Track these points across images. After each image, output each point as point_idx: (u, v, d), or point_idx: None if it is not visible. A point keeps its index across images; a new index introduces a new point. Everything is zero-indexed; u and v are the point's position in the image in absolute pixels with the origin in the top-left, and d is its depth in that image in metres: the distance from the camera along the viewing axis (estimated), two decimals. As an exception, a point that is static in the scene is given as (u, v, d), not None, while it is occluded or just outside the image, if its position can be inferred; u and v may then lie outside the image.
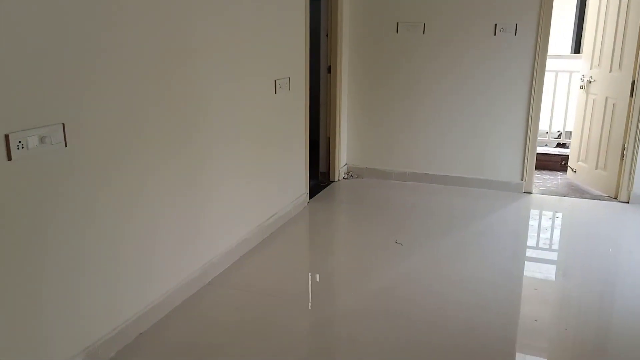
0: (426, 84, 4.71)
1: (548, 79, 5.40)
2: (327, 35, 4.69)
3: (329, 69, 4.74)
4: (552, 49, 4.52)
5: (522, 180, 4.63)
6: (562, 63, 6.35)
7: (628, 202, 4.34)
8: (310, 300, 2.93)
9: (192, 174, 2.83)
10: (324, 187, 4.83)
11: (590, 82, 4.71)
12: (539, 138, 5.44)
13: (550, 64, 4.52)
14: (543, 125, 5.63)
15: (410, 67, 4.73)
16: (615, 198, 4.44)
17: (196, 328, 2.60)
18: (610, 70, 4.44)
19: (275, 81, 3.62)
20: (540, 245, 3.80)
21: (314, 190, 4.62)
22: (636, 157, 4.24)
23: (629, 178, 4.30)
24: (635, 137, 4.21)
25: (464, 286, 3.05)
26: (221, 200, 3.11)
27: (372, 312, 2.79)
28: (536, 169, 4.88)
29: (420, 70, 4.71)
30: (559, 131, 6.25)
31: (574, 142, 5.05)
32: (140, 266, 2.51)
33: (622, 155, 4.34)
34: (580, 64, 4.95)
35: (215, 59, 2.92)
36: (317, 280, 3.24)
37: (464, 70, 4.57)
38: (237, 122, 3.22)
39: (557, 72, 5.70)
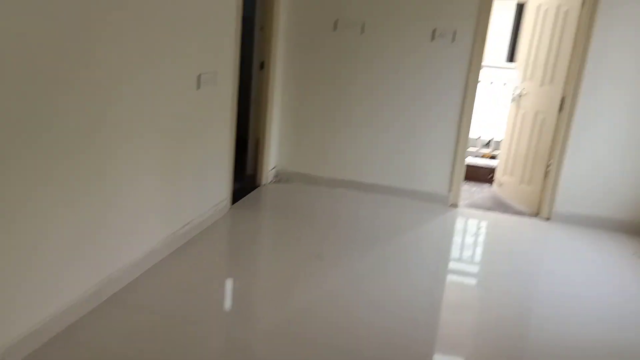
0: (362, 86, 4.55)
1: (481, 88, 5.43)
2: (261, 28, 4.41)
3: (261, 65, 4.46)
4: (488, 56, 4.50)
5: (449, 192, 4.58)
6: (497, 73, 6.43)
7: (549, 219, 4.38)
8: (218, 324, 2.68)
9: (93, 176, 2.49)
10: (250, 191, 4.56)
11: (521, 95, 4.73)
12: (470, 149, 5.49)
13: (485, 73, 4.50)
14: (476, 135, 5.67)
15: (347, 67, 4.55)
16: (537, 215, 4.48)
17: None
18: (542, 84, 4.47)
19: (199, 75, 3.31)
20: (462, 264, 3.75)
21: (238, 195, 4.35)
22: (560, 174, 4.29)
23: (552, 195, 4.35)
24: (561, 155, 4.25)
25: (383, 308, 2.90)
26: (126, 205, 2.78)
27: (285, 337, 2.58)
28: (464, 180, 4.86)
29: (357, 71, 4.53)
30: (489, 141, 6.33)
31: (502, 155, 5.07)
32: (14, 286, 2.15)
33: (547, 172, 4.37)
34: (514, 75, 4.96)
35: (125, 49, 2.59)
36: (229, 299, 3.00)
37: (400, 75, 4.45)
38: (151, 119, 2.89)
39: (490, 82, 5.72)
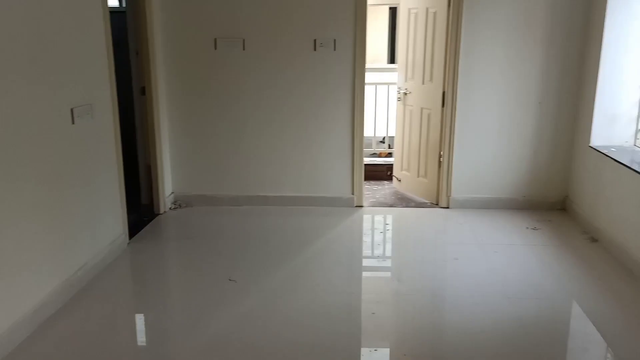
0: (250, 102, 4.50)
1: (369, 91, 5.58)
2: (137, 53, 4.22)
3: (142, 91, 4.27)
4: (370, 59, 4.62)
5: (352, 194, 4.65)
6: (381, 75, 6.66)
7: (448, 207, 4.59)
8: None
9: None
10: (148, 221, 4.33)
11: (406, 94, 4.92)
12: (367, 149, 5.63)
13: (369, 76, 4.62)
14: (367, 134, 5.81)
15: (232, 85, 4.47)
16: (437, 204, 4.67)
17: None
18: (423, 82, 4.68)
19: (71, 110, 3.09)
20: (374, 261, 3.82)
21: (136, 227, 4.11)
22: (452, 164, 4.50)
23: (447, 184, 4.56)
24: (450, 146, 4.47)
25: (301, 322, 2.86)
26: (2, 259, 2.51)
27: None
28: (365, 179, 4.96)
29: (243, 88, 4.48)
30: (383, 138, 6.52)
31: (396, 152, 5.24)
32: None
33: (439, 163, 4.58)
34: (395, 77, 5.16)
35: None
36: (142, 337, 2.81)
37: (287, 87, 4.45)
38: (20, 163, 2.64)
39: (376, 84, 5.90)
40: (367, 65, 4.53)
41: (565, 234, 3.99)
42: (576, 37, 4.17)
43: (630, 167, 3.45)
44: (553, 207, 4.49)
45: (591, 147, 3.98)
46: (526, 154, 4.43)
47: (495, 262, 3.55)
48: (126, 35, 4.25)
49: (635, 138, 3.90)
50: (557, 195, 4.49)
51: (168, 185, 4.62)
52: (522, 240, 3.90)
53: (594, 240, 3.84)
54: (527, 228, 4.10)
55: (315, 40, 4.34)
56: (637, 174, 3.33)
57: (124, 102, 4.31)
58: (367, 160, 5.61)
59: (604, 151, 3.81)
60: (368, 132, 5.84)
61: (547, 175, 4.46)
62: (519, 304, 2.99)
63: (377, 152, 6.29)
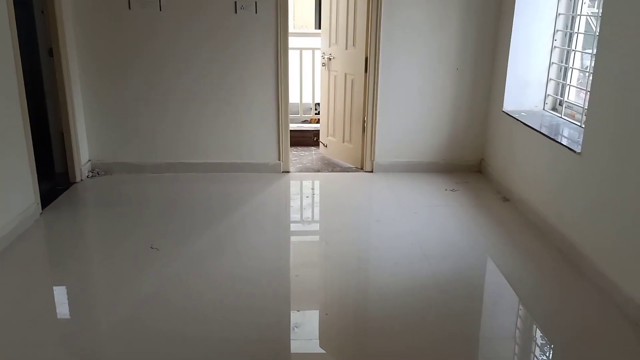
0: (170, 66, 4.33)
1: (294, 56, 5.54)
2: (42, 12, 3.92)
3: (50, 52, 3.99)
4: (299, 24, 4.56)
5: (279, 160, 4.63)
6: (307, 41, 6.60)
7: (372, 172, 4.69)
8: (56, 335, 2.40)
9: None
10: (63, 190, 4.12)
11: (330, 59, 4.91)
12: (293, 115, 5.61)
13: (295, 41, 4.57)
14: (295, 100, 5.80)
15: (150, 47, 4.28)
16: (362, 168, 4.76)
17: None
18: (346, 48, 4.68)
19: (-33, 70, 2.84)
20: (301, 225, 3.85)
21: (49, 197, 3.91)
22: (375, 129, 4.58)
23: (371, 149, 4.64)
24: (373, 111, 4.54)
25: (228, 286, 2.86)
26: None
27: (131, 333, 2.42)
28: (292, 145, 4.96)
29: (161, 51, 4.29)
30: (317, 104, 6.49)
31: (322, 118, 5.26)
32: None
33: (363, 128, 4.65)
34: (320, 42, 5.13)
35: None
36: (62, 307, 2.70)
37: (208, 50, 4.31)
38: None
39: (301, 49, 5.84)
40: (295, 31, 4.47)
41: (480, 194, 4.20)
42: (491, 5, 4.30)
43: (539, 130, 3.65)
44: (470, 169, 4.70)
45: (504, 112, 4.18)
46: (445, 119, 4.58)
47: (415, 223, 3.68)
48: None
49: (545, 103, 4.12)
50: (474, 158, 4.69)
51: (84, 152, 4.40)
52: (441, 201, 4.07)
53: (506, 200, 4.07)
54: (446, 190, 4.27)
55: (235, 2, 4.21)
56: (545, 137, 3.54)
57: (31, 65, 4.03)
58: (294, 126, 5.60)
59: (515, 115, 4.01)
60: (295, 98, 5.84)
61: (464, 140, 4.64)
62: (436, 262, 3.13)
63: (308, 119, 6.28)
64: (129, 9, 4.17)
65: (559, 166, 3.36)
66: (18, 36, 3.33)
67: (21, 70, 3.38)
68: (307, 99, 6.23)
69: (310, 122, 6.17)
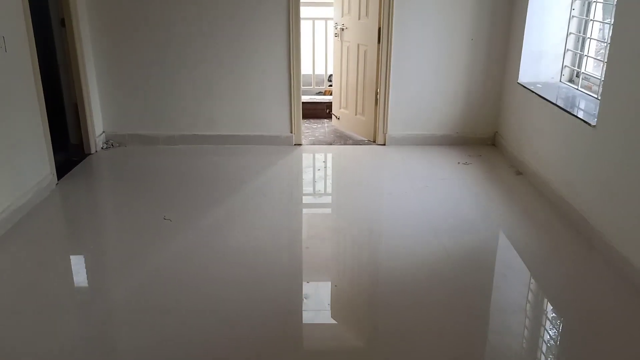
0: (183, 36, 4.30)
1: (306, 26, 5.47)
2: (53, -19, 3.90)
3: (62, 22, 3.98)
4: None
5: (291, 132, 4.63)
6: (319, 10, 6.50)
7: (385, 144, 4.66)
8: (71, 304, 2.47)
9: None
10: (79, 162, 4.17)
11: (343, 29, 4.85)
12: (306, 88, 5.57)
13: (307, 11, 4.50)
14: (308, 72, 5.75)
15: (162, 17, 4.25)
16: (374, 141, 4.74)
17: None
18: (359, 18, 4.61)
19: (-20, 42, 2.85)
20: (313, 198, 3.88)
21: (65, 168, 3.96)
22: (388, 102, 4.54)
23: (384, 122, 4.61)
24: (386, 83, 4.49)
25: (240, 258, 2.89)
26: None
27: (143, 304, 2.48)
28: (304, 118, 4.95)
29: (174, 21, 4.26)
30: (330, 76, 6.43)
31: (335, 90, 5.22)
32: None
33: (376, 100, 4.61)
34: (333, 12, 5.05)
35: None
36: (78, 277, 2.77)
37: (220, 21, 4.27)
38: None
39: (314, 19, 5.76)
40: (307, 0, 4.40)
41: (493, 168, 4.17)
42: (510, -27, 4.19)
43: (554, 102, 3.59)
44: (484, 142, 4.65)
45: (519, 84, 4.10)
46: (459, 91, 4.52)
47: (427, 196, 3.67)
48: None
49: (561, 74, 4.04)
50: (488, 131, 4.64)
51: (98, 124, 4.43)
52: (453, 174, 4.05)
53: (519, 173, 4.04)
54: (459, 163, 4.24)
55: (247, -29, 4.15)
56: (560, 110, 3.48)
57: (43, 36, 4.04)
58: (307, 98, 5.57)
59: (530, 87, 3.94)
60: (308, 70, 5.79)
61: (479, 112, 4.58)
62: (447, 236, 3.13)
63: (322, 91, 6.23)
64: (141, -22, 4.13)
65: (574, 139, 3.31)
66: (29, 6, 3.33)
67: (34, 41, 3.39)
68: (320, 70, 6.17)
69: (324, 94, 6.12)
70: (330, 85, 6.12)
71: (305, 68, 5.02)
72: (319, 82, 6.20)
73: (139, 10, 4.22)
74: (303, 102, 4.71)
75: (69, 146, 4.31)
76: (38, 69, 3.43)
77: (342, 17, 4.84)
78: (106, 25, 4.24)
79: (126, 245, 3.06)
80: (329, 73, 6.22)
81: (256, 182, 3.91)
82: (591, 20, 3.75)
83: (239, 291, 2.59)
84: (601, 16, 3.74)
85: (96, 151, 4.37)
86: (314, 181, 4.10)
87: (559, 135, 3.52)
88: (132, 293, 2.58)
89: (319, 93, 6.19)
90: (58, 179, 3.75)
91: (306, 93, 5.69)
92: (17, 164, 3.24)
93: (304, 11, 4.56)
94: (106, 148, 4.47)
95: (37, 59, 3.42)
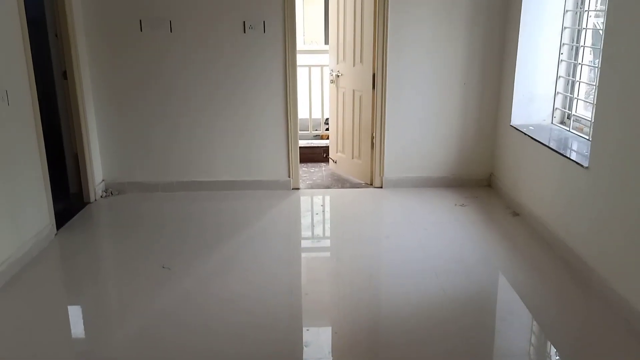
0: (180, 85, 4.41)
1: (303, 73, 5.61)
2: (56, 35, 4.03)
3: (64, 75, 4.09)
4: (309, 40, 4.62)
5: (289, 177, 4.68)
6: (315, 58, 6.68)
7: (382, 187, 4.71)
8: (70, 353, 2.45)
9: None
10: (78, 210, 4.19)
11: (338, 76, 4.97)
12: (303, 132, 5.67)
13: (303, 59, 4.63)
14: (305, 116, 5.86)
15: (161, 68, 4.37)
16: (372, 184, 4.78)
17: None
18: (354, 65, 4.74)
19: (-17, 96, 2.93)
20: (312, 242, 3.88)
21: (64, 217, 3.98)
22: (384, 145, 4.61)
23: (380, 165, 4.67)
24: (381, 127, 4.57)
25: (239, 304, 2.88)
26: None
27: (143, 349, 2.45)
28: (302, 162, 5.02)
29: (172, 71, 4.37)
30: (327, 119, 6.53)
31: (331, 134, 5.30)
32: None
33: (372, 144, 4.68)
34: (328, 59, 5.19)
35: None
36: (76, 326, 2.75)
37: (218, 70, 4.39)
38: None
39: (310, 66, 5.91)
40: (305, 47, 4.54)
41: (490, 209, 4.20)
42: (497, 20, 4.33)
43: (547, 144, 3.66)
44: (480, 184, 4.70)
45: (512, 126, 4.18)
46: (454, 134, 4.60)
47: (425, 238, 3.68)
48: (44, 18, 4.03)
49: (553, 117, 4.12)
50: (483, 172, 4.70)
51: (98, 172, 4.48)
52: (450, 216, 4.07)
53: (515, 214, 4.06)
54: (456, 205, 4.28)
55: (244, 22, 4.28)
56: (553, 152, 3.54)
57: (46, 88, 4.15)
58: (304, 143, 5.65)
59: (523, 130, 4.01)
60: (305, 114, 5.90)
61: (473, 154, 4.65)
62: (446, 278, 3.13)
63: (319, 135, 6.31)
64: (141, 31, 4.26)
65: (568, 180, 3.36)
66: (33, 59, 3.43)
67: (36, 93, 3.47)
68: (317, 114, 6.28)
69: (321, 138, 6.21)
70: (327, 129, 6.22)
71: (302, 112, 5.13)
72: (316, 126, 6.30)
73: (138, 61, 4.33)
74: (300, 147, 4.78)
75: (68, 195, 4.35)
76: (40, 121, 3.50)
77: (337, 64, 4.97)
78: (106, 76, 4.35)
79: (125, 295, 3.05)
80: (325, 117, 6.34)
81: (255, 227, 3.93)
82: (579, 63, 3.86)
83: (239, 339, 2.56)
84: (589, 59, 3.86)
85: (95, 199, 4.40)
86: (313, 225, 4.11)
87: (553, 176, 3.56)
88: (132, 342, 2.56)
89: (316, 137, 6.28)
90: (57, 229, 3.76)
91: (303, 138, 5.78)
92: (18, 215, 3.26)
93: (300, 59, 4.69)
94: (105, 196, 4.50)
95: (39, 112, 3.49)
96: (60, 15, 3.93)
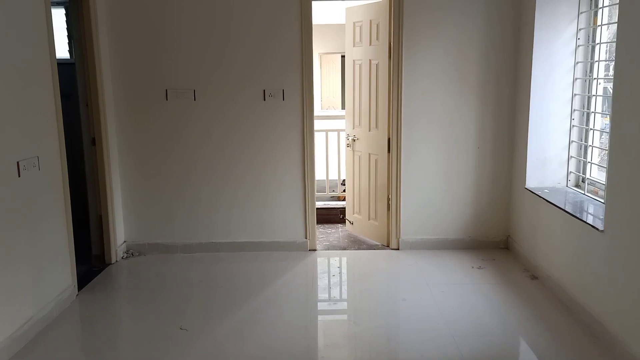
0: (203, 150, 4.58)
1: (320, 137, 5.79)
2: (87, 105, 4.26)
3: (93, 141, 4.29)
4: (326, 105, 4.80)
5: (306, 238, 4.73)
6: (332, 123, 6.88)
7: (398, 249, 4.72)
8: None
9: None
10: (99, 271, 4.28)
11: (354, 140, 5.11)
12: (320, 194, 5.77)
13: (321, 124, 4.79)
14: (322, 177, 5.98)
15: (184, 134, 4.56)
16: (388, 246, 4.80)
17: None
18: (370, 130, 4.88)
19: (17, 163, 3.10)
20: (329, 305, 3.88)
21: (86, 278, 4.07)
22: (400, 207, 4.67)
23: (396, 227, 4.71)
24: (397, 190, 4.65)
25: (253, 368, 2.88)
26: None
27: None
28: (319, 223, 5.08)
29: (195, 137, 4.56)
30: (343, 181, 6.65)
31: (348, 196, 5.39)
32: None
33: (388, 206, 4.74)
34: (344, 123, 5.35)
35: None
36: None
37: (238, 136, 4.57)
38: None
39: (327, 131, 6.09)
40: (322, 113, 4.71)
41: (507, 272, 4.17)
42: (507, 85, 4.48)
43: (563, 208, 3.68)
44: (497, 246, 4.69)
45: (527, 189, 4.23)
46: (469, 196, 4.65)
47: (443, 301, 3.66)
48: (75, 87, 4.29)
49: (567, 180, 4.16)
50: (500, 234, 4.70)
51: (120, 234, 4.59)
52: (468, 279, 4.05)
53: (534, 277, 4.03)
54: (473, 267, 4.26)
55: (264, 91, 4.50)
56: (568, 215, 3.56)
57: (75, 153, 4.35)
58: (321, 204, 5.74)
59: (538, 192, 4.05)
60: (322, 176, 6.03)
61: (489, 216, 4.68)
62: (465, 342, 3.10)
63: (336, 196, 6.40)
64: (166, 100, 4.50)
65: (584, 244, 3.35)
66: (64, 126, 3.63)
67: (65, 160, 3.65)
68: (334, 176, 6.41)
69: (338, 199, 6.30)
70: (344, 191, 6.32)
71: (320, 173, 5.23)
72: (333, 187, 6.41)
73: (163, 128, 4.54)
74: (317, 208, 4.86)
75: (91, 256, 4.45)
76: (68, 187, 3.66)
77: (353, 129, 5.13)
78: (132, 142, 4.55)
79: (143, 357, 3.06)
80: (342, 178, 6.46)
81: (271, 289, 3.95)
82: (591, 129, 3.94)
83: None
84: (600, 125, 3.94)
85: (116, 261, 4.49)
86: (329, 287, 4.12)
87: (569, 239, 3.57)
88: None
89: (333, 197, 6.37)
90: (79, 290, 3.84)
91: (320, 199, 5.87)
92: (41, 276, 3.36)
93: (318, 124, 4.86)
94: (126, 257, 4.59)
95: (67, 177, 3.66)
96: (91, 86, 4.18)
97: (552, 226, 3.83)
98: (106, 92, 4.32)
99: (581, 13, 3.96)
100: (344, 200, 6.21)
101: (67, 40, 4.92)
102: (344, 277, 4.37)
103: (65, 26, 4.88)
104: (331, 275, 4.36)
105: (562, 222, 3.65)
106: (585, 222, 3.35)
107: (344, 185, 6.70)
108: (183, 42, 4.44)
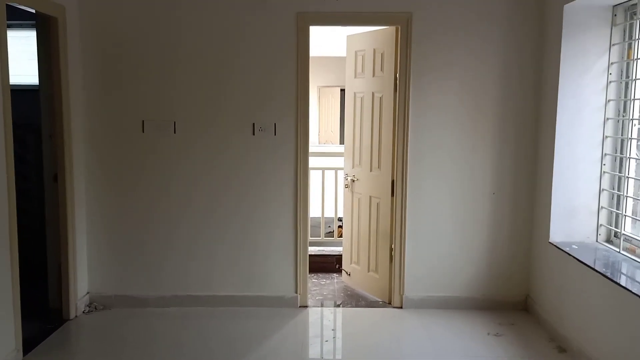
0: (181, 192, 4.05)
1: (316, 176, 5.27)
2: (50, 136, 3.75)
3: (54, 178, 3.75)
4: (323, 140, 4.32)
5: (296, 292, 4.15)
6: (329, 160, 6.40)
7: (401, 307, 4.14)
8: None
9: None
10: (54, 329, 3.68)
11: (353, 181, 4.59)
12: (314, 239, 5.21)
13: (316, 161, 4.30)
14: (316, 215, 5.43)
15: (162, 171, 4.03)
16: (390, 303, 4.22)
17: None
18: (371, 170, 4.37)
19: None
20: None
21: (36, 339, 3.48)
22: (404, 258, 4.11)
23: (400, 281, 4.14)
24: (401, 238, 4.10)
25: None
26: None
27: None
28: (312, 272, 4.53)
29: (173, 176, 4.03)
30: (340, 218, 6.10)
31: (345, 243, 4.83)
32: None
33: (391, 257, 4.18)
34: (343, 162, 4.83)
35: None
36: None
37: (223, 175, 4.04)
38: None
39: (323, 169, 5.55)
40: (319, 149, 4.21)
41: (530, 341, 3.59)
42: (529, 124, 3.98)
43: (594, 268, 3.14)
44: (514, 307, 4.10)
45: (551, 243, 3.68)
46: (483, 249, 4.10)
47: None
48: (38, 117, 3.78)
49: (597, 234, 3.63)
50: (517, 294, 4.12)
51: (83, 285, 4.01)
52: (484, 349, 3.47)
53: (562, 350, 3.44)
54: (489, 334, 3.68)
55: (254, 124, 4.00)
56: (603, 277, 3.01)
57: (33, 191, 3.83)
58: (315, 249, 5.17)
59: (565, 248, 3.50)
60: (316, 214, 5.47)
61: (506, 272, 4.11)
62: None
63: (333, 230, 5.84)
64: (143, 132, 3.99)
65: (623, 312, 2.80)
66: (24, 161, 3.13)
67: (14, 199, 3.12)
68: (330, 214, 5.86)
69: (339, 235, 5.71)
70: (340, 226, 5.75)
71: (314, 212, 4.71)
72: (329, 223, 5.86)
73: (137, 165, 4.02)
74: (310, 255, 4.32)
75: (47, 311, 3.85)
76: (15, 232, 3.12)
77: (352, 168, 4.61)
78: (102, 179, 4.02)
79: None
80: (338, 216, 5.91)
81: (254, 355, 3.36)
82: (625, 176, 3.43)
83: None
84: (635, 172, 3.43)
85: (76, 316, 3.89)
86: (322, 355, 3.52)
87: (606, 307, 3.01)
88: None
89: (329, 233, 5.81)
90: (24, 354, 3.24)
91: (314, 244, 5.28)
92: (-28, 343, 2.78)
93: (313, 161, 4.36)
94: (88, 312, 4.00)
95: (15, 221, 3.12)
96: (56, 115, 3.67)
97: (582, 288, 3.28)
98: (73, 122, 3.80)
99: (613, 45, 3.50)
100: (340, 236, 5.64)
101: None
102: (339, 344, 3.75)
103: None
104: (324, 340, 3.75)
105: (595, 285, 3.09)
106: (623, 286, 2.80)
107: (341, 220, 6.17)
108: (164, 68, 3.95)
